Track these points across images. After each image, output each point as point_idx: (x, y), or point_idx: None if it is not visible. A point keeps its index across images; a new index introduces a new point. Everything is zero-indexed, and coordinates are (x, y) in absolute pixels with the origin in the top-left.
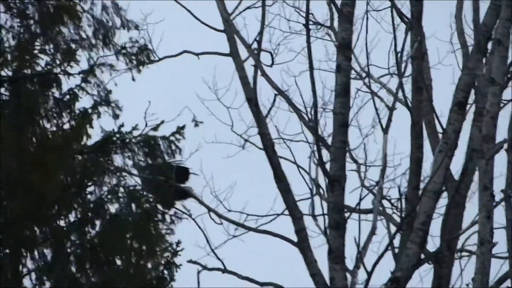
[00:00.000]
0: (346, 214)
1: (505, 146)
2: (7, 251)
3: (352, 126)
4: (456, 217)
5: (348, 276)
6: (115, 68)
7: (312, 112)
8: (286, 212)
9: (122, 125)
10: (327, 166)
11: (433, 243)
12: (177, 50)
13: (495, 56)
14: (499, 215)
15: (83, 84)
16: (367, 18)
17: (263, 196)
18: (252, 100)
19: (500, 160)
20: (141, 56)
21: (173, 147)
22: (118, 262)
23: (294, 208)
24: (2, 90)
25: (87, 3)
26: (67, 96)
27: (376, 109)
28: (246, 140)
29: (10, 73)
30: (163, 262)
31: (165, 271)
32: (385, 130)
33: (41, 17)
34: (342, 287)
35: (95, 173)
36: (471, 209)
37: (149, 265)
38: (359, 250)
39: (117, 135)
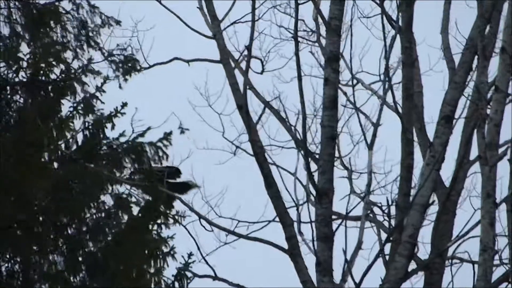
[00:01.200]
0: (338, 221)
1: (508, 155)
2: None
3: (344, 133)
4: (447, 224)
5: None
6: (102, 75)
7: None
8: (278, 219)
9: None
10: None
11: (424, 250)
12: (168, 57)
13: (499, 63)
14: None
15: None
16: (351, 26)
17: (255, 203)
18: (242, 107)
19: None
20: (127, 66)
21: (160, 153)
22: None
23: (285, 215)
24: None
25: (69, 5)
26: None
27: (361, 125)
28: (237, 147)
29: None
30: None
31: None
32: (370, 146)
33: (27, 21)
34: None
35: (82, 178)
36: (462, 216)
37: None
38: (346, 263)
39: (104, 141)
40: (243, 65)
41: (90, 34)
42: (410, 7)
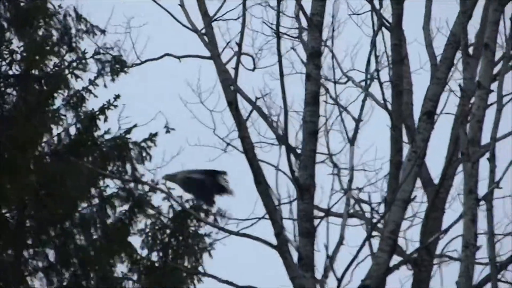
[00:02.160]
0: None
1: (487, 155)
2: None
3: (333, 130)
4: (436, 221)
5: (317, 284)
6: (88, 70)
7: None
8: (267, 215)
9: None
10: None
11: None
12: (161, 53)
13: (482, 60)
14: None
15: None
16: (333, 24)
17: (244, 200)
18: (232, 103)
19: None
20: (115, 67)
21: (144, 154)
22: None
23: (274, 211)
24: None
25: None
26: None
27: (342, 120)
28: (228, 144)
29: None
30: None
31: None
32: (352, 142)
33: (13, 17)
34: None
35: (68, 174)
36: (451, 214)
37: None
38: (328, 259)
39: (90, 138)
40: (234, 61)
41: (73, 39)
42: (400, 5)
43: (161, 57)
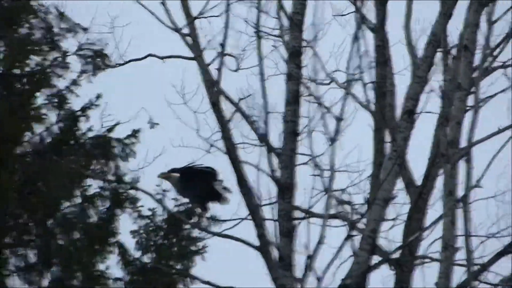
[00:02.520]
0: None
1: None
2: None
3: (318, 132)
4: (418, 222)
5: (297, 283)
6: (70, 69)
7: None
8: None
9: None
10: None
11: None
12: (145, 52)
13: (461, 61)
14: None
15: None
16: (314, 23)
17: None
18: (216, 104)
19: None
20: (97, 61)
21: (128, 151)
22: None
23: (257, 213)
24: None
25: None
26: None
27: (323, 119)
28: (211, 145)
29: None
30: None
31: None
32: (333, 141)
33: None
34: None
35: (50, 173)
36: (434, 215)
37: None
38: (308, 258)
39: (72, 137)
40: (217, 62)
41: (55, 38)
42: (383, 6)
43: (145, 57)
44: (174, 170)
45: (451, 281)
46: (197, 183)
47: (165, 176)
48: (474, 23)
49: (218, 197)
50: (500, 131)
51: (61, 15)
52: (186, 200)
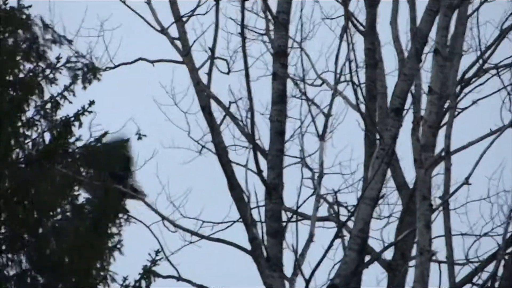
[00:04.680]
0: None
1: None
2: None
3: (308, 133)
4: (410, 225)
5: (286, 283)
6: (56, 82)
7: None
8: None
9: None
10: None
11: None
12: (135, 56)
13: (433, 65)
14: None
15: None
16: (301, 22)
17: (220, 202)
18: (206, 108)
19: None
20: (88, 75)
21: None
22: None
23: (247, 216)
24: None
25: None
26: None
27: (313, 117)
28: (203, 146)
29: None
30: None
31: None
32: (321, 137)
33: None
34: None
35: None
36: None
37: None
38: (297, 257)
39: (64, 144)
40: (207, 65)
41: (41, 48)
42: (374, 8)
43: (135, 61)
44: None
45: (427, 285)
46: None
47: None
48: (443, 27)
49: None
50: (476, 140)
51: (46, 27)
52: None
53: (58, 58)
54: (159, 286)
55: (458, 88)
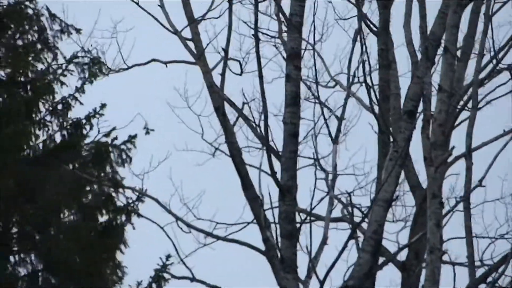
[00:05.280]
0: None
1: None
2: None
3: (322, 135)
4: (423, 226)
5: (300, 285)
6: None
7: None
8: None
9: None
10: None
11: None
12: (147, 57)
13: (442, 63)
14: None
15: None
16: (313, 24)
17: (232, 206)
18: (219, 109)
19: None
20: (93, 68)
21: (124, 156)
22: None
23: (261, 217)
24: None
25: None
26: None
27: (325, 120)
28: (216, 148)
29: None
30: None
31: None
32: (335, 140)
33: None
34: None
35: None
36: None
37: None
38: (311, 259)
39: (75, 145)
40: (220, 66)
41: (50, 39)
42: (387, 9)
43: (148, 62)
44: None
45: (439, 284)
46: None
47: None
48: (453, 24)
49: None
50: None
51: (53, 17)
52: None
53: (67, 59)
54: (174, 286)
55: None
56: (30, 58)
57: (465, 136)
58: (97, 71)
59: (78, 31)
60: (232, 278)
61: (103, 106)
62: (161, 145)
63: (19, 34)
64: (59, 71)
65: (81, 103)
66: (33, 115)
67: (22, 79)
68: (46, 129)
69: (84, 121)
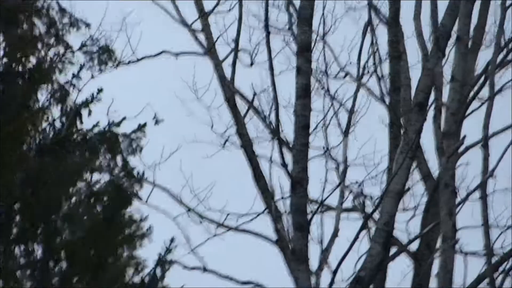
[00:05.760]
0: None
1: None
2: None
3: (331, 125)
4: (435, 216)
5: (312, 276)
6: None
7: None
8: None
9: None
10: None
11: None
12: (156, 49)
13: (455, 52)
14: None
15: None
16: (323, 17)
17: (243, 197)
18: (230, 100)
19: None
20: (102, 57)
21: (134, 145)
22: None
23: (272, 207)
24: None
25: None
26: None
27: (335, 112)
28: (226, 140)
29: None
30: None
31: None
32: (345, 133)
33: None
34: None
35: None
36: None
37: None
38: (323, 251)
39: (76, 132)
40: (231, 58)
41: (60, 32)
42: (397, 1)
43: (158, 54)
44: None
45: (452, 273)
46: None
47: None
48: (465, 14)
49: None
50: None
51: (62, 11)
52: None
53: (68, 46)
54: (185, 277)
55: (482, 78)
56: (26, 48)
57: (474, 127)
58: (107, 59)
59: (87, 25)
60: (244, 268)
61: (99, 91)
62: (171, 138)
63: (27, 26)
64: (66, 59)
65: (79, 90)
66: (32, 104)
67: (20, 68)
68: (46, 117)
69: (81, 107)
